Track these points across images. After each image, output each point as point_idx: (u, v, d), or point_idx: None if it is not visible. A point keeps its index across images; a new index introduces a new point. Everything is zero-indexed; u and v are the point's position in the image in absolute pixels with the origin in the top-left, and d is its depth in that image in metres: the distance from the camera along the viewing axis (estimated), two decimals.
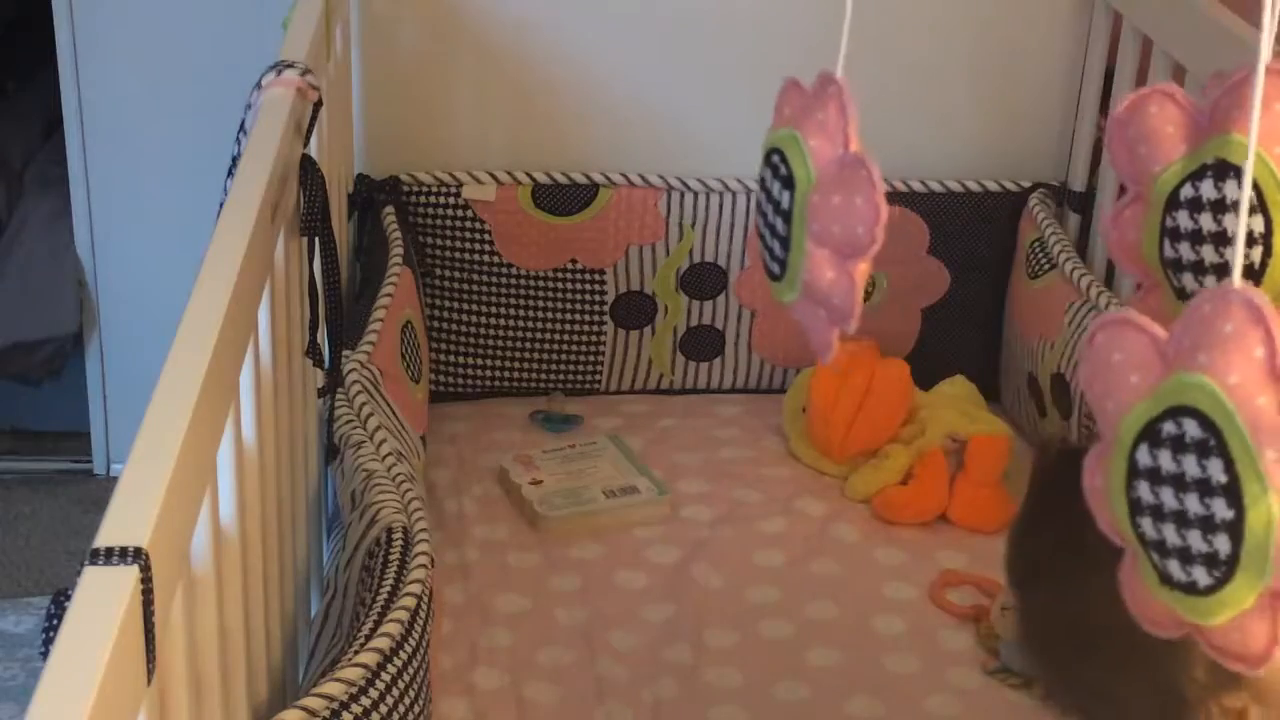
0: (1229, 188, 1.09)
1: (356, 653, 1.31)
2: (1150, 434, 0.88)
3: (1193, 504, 0.86)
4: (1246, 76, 1.08)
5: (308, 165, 1.53)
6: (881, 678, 1.80)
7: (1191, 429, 0.85)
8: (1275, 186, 1.09)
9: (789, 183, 1.11)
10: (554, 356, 2.32)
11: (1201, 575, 0.86)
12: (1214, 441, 0.84)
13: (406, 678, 1.35)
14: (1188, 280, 1.12)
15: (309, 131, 1.60)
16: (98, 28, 2.48)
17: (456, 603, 1.87)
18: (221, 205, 1.37)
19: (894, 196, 2.30)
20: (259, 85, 1.57)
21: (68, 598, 0.92)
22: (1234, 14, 1.89)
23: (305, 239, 1.55)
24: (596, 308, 2.31)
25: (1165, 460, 0.87)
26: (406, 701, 1.35)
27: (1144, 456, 0.88)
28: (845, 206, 1.06)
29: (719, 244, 2.30)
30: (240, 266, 1.26)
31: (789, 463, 2.20)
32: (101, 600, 0.91)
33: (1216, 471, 0.84)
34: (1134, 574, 0.93)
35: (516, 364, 2.32)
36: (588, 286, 2.30)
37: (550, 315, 2.30)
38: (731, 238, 2.30)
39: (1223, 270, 1.11)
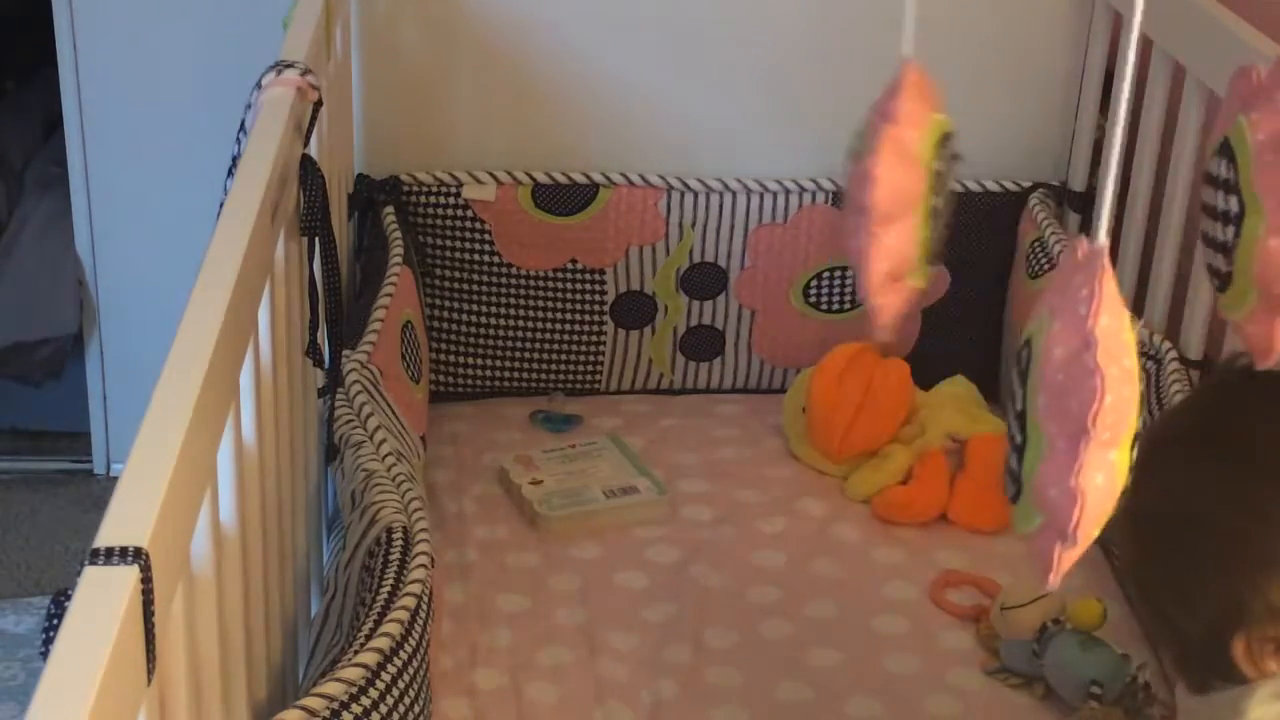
0: (1222, 166, 1.14)
1: (357, 653, 1.31)
2: (1017, 358, 0.99)
3: (1013, 427, 0.97)
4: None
5: (308, 165, 1.53)
6: (881, 678, 1.80)
7: (1024, 359, 0.96)
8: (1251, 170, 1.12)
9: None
10: (554, 356, 2.32)
11: (1010, 487, 0.98)
12: (1026, 375, 0.94)
13: (406, 678, 1.35)
14: (1203, 253, 1.18)
15: (309, 131, 1.60)
16: (98, 28, 2.48)
17: (456, 603, 1.87)
18: (221, 205, 1.37)
19: None
20: (259, 85, 1.57)
21: (68, 598, 0.91)
22: (1234, 14, 1.89)
23: (305, 239, 1.55)
24: (596, 308, 2.31)
25: (1015, 384, 0.98)
26: (406, 701, 1.35)
27: (1010, 377, 1.00)
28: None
29: (719, 244, 2.30)
30: (240, 266, 1.26)
31: (789, 463, 2.20)
32: (101, 600, 0.91)
33: (1018, 400, 0.95)
34: None
35: (516, 364, 2.32)
36: (588, 286, 2.30)
37: (550, 315, 2.30)
38: (731, 238, 2.30)
39: (1210, 243, 1.14)
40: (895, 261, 1.23)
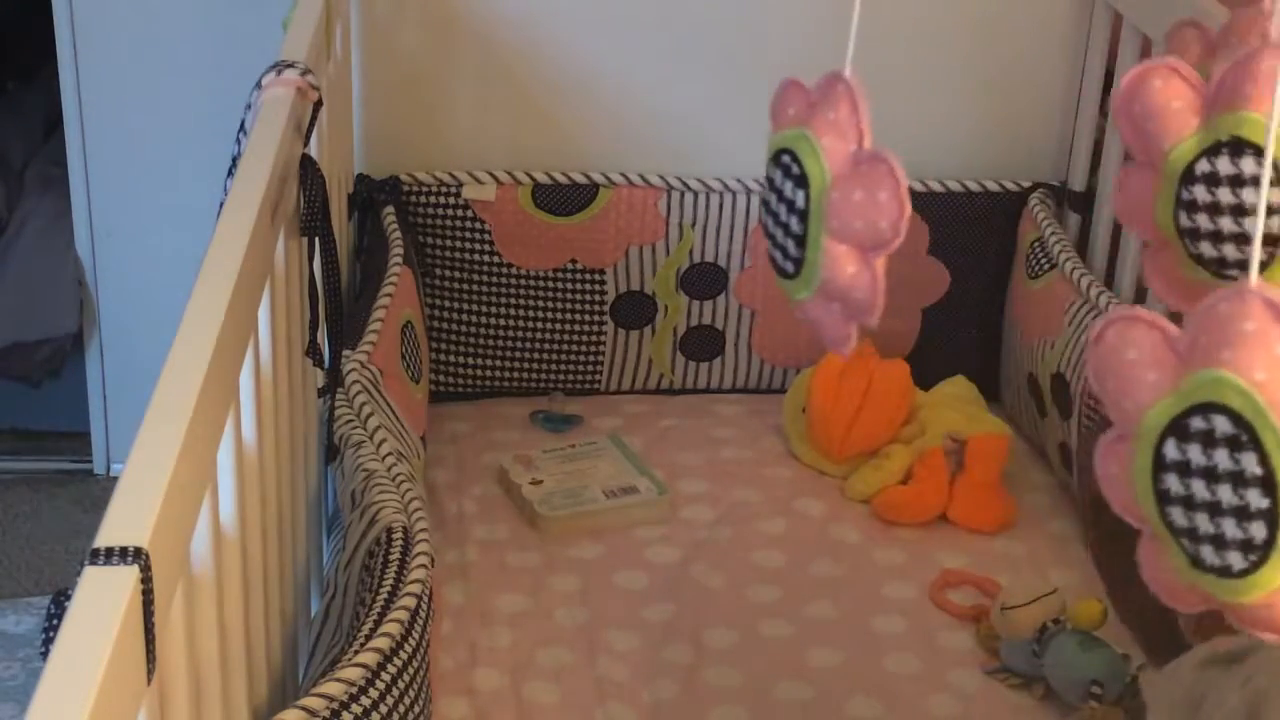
0: (1245, 164, 1.12)
1: (356, 653, 1.31)
2: (1177, 429, 0.92)
3: (1226, 495, 0.90)
4: (1255, 52, 1.12)
5: (308, 165, 1.53)
6: (881, 678, 1.80)
7: (1222, 424, 0.89)
8: None
9: (802, 181, 1.12)
10: (554, 356, 2.32)
11: (1236, 560, 0.91)
12: (1246, 436, 0.88)
13: (406, 678, 1.35)
14: (1205, 247, 1.15)
15: (309, 131, 1.60)
16: (97, 28, 2.48)
17: (456, 603, 1.87)
18: (221, 205, 1.37)
19: None
20: (259, 85, 1.57)
21: (68, 598, 0.91)
22: (1234, 14, 1.88)
23: (305, 239, 1.55)
24: (596, 308, 2.31)
25: (1195, 454, 0.91)
26: (406, 701, 1.35)
27: (1172, 450, 0.92)
28: (868, 202, 1.07)
29: (719, 244, 2.30)
30: (240, 266, 1.26)
31: (789, 463, 2.20)
32: (101, 600, 0.91)
33: (1251, 464, 0.88)
34: (1155, 555, 0.97)
35: (516, 364, 2.32)
36: (588, 286, 2.30)
37: (550, 315, 2.30)
38: (731, 238, 2.30)
39: (1241, 239, 1.14)
40: None
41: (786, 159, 1.14)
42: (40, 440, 2.84)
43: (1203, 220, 1.15)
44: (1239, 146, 1.12)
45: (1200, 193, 1.15)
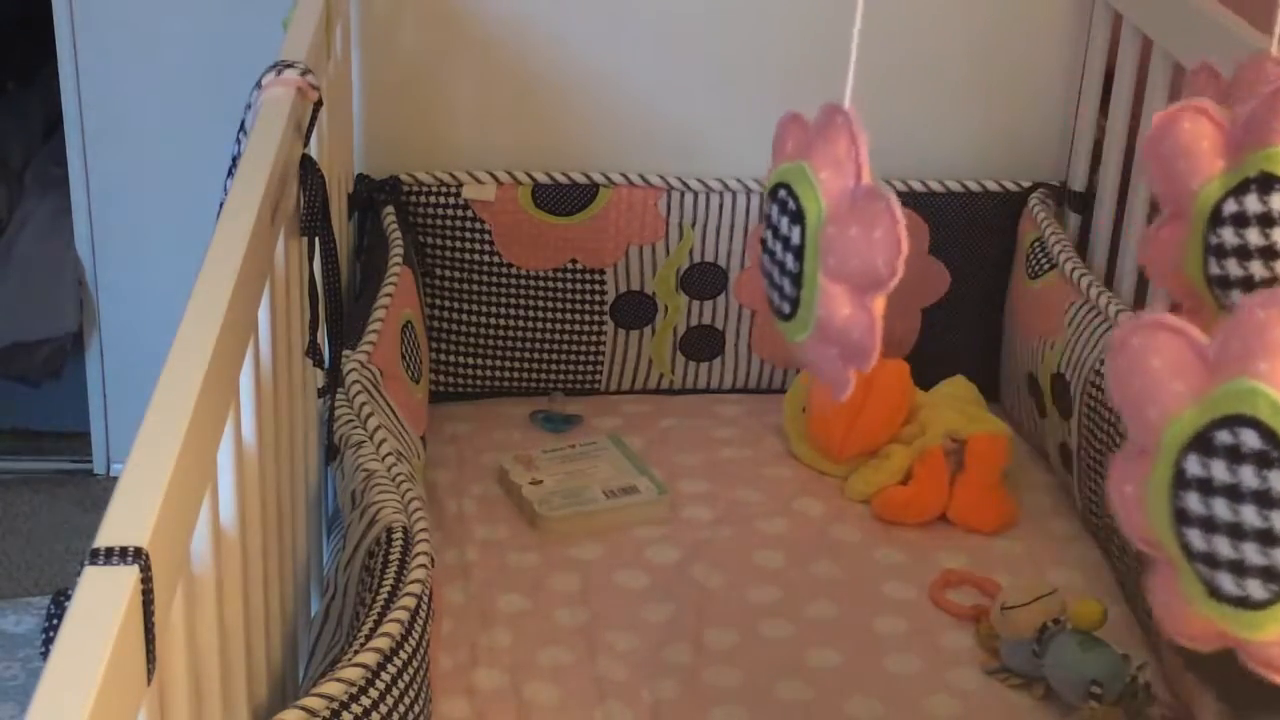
0: (1275, 200, 1.08)
1: (356, 653, 1.31)
2: (1201, 443, 0.86)
3: (1250, 516, 0.84)
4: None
5: (308, 165, 1.53)
6: (881, 678, 1.80)
7: (1249, 439, 0.83)
8: None
9: (798, 217, 1.08)
10: (554, 356, 2.32)
11: (1256, 588, 0.85)
12: (1276, 453, 0.83)
13: (406, 678, 1.35)
14: (1236, 297, 1.10)
15: (309, 131, 1.60)
16: (98, 28, 2.48)
17: (456, 603, 1.87)
18: (221, 205, 1.37)
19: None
20: (259, 85, 1.57)
21: (68, 598, 0.91)
22: (1234, 13, 1.89)
23: (305, 239, 1.55)
24: (596, 308, 2.31)
25: (1219, 470, 0.85)
26: (406, 701, 1.35)
27: (1193, 466, 0.86)
28: (863, 239, 1.03)
29: (719, 244, 2.30)
30: (240, 266, 1.26)
31: (789, 463, 2.20)
32: (101, 600, 0.91)
33: (1278, 483, 0.83)
34: (1169, 586, 0.91)
35: (516, 364, 2.32)
36: (588, 286, 2.30)
37: (550, 315, 2.30)
38: (731, 238, 2.30)
39: (1273, 284, 1.09)
40: None
41: (783, 194, 1.10)
42: (40, 440, 2.84)
43: (1232, 266, 1.11)
44: (1268, 182, 1.09)
45: (1228, 235, 1.11)
